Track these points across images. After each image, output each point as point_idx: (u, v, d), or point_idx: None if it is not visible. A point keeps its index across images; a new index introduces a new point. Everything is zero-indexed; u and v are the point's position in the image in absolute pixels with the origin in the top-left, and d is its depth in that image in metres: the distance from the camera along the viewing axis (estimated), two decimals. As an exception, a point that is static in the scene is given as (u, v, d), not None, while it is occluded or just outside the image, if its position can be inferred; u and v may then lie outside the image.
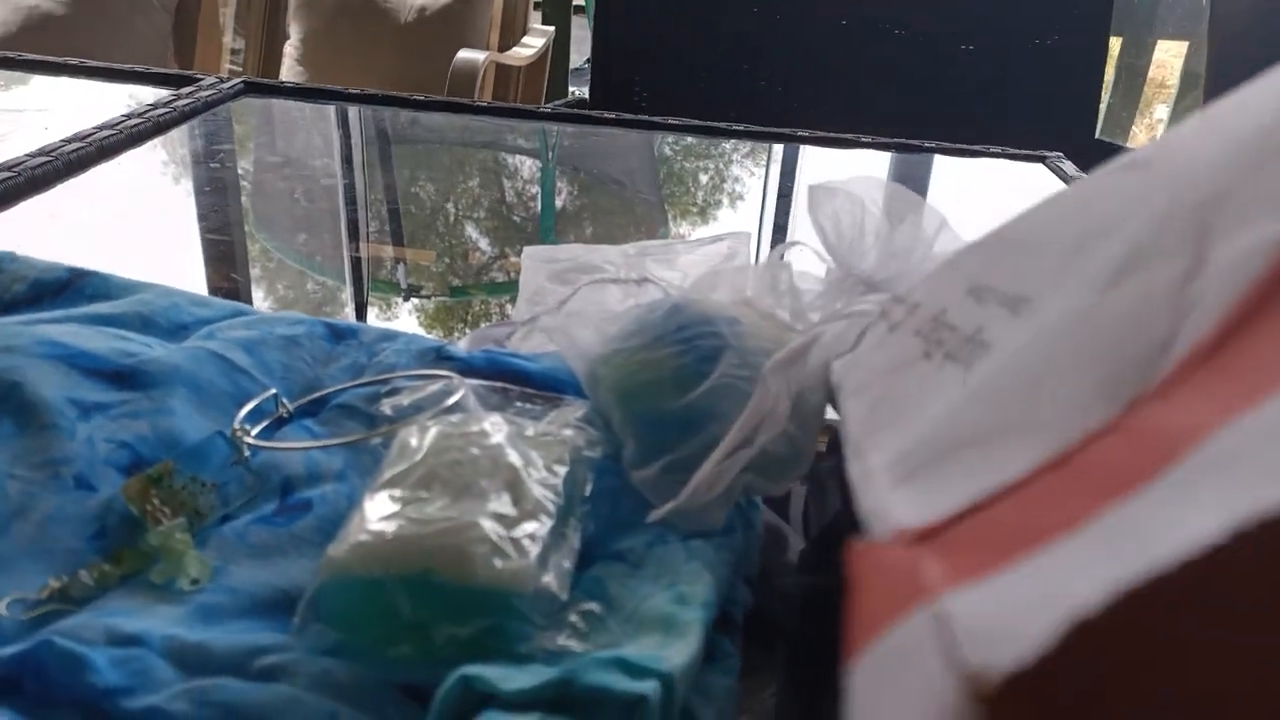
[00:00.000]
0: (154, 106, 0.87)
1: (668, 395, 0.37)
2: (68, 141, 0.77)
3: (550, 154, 1.01)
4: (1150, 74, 2.19)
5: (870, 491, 0.24)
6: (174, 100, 0.89)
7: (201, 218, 0.75)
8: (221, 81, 0.95)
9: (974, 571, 0.16)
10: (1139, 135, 2.27)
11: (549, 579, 0.31)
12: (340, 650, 0.30)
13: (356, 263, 0.73)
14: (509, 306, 0.67)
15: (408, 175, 0.91)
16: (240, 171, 0.84)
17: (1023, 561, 0.16)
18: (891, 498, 0.23)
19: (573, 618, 0.31)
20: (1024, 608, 0.14)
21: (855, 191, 0.41)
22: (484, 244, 0.80)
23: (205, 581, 0.32)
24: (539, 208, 0.91)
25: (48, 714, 0.27)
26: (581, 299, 0.49)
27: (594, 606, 0.31)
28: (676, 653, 0.28)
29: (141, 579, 0.33)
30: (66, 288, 0.46)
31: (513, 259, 0.75)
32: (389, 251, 0.76)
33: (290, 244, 0.75)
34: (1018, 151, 0.94)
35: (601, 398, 0.39)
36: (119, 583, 0.32)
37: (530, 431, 0.38)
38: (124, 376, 0.38)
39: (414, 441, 0.35)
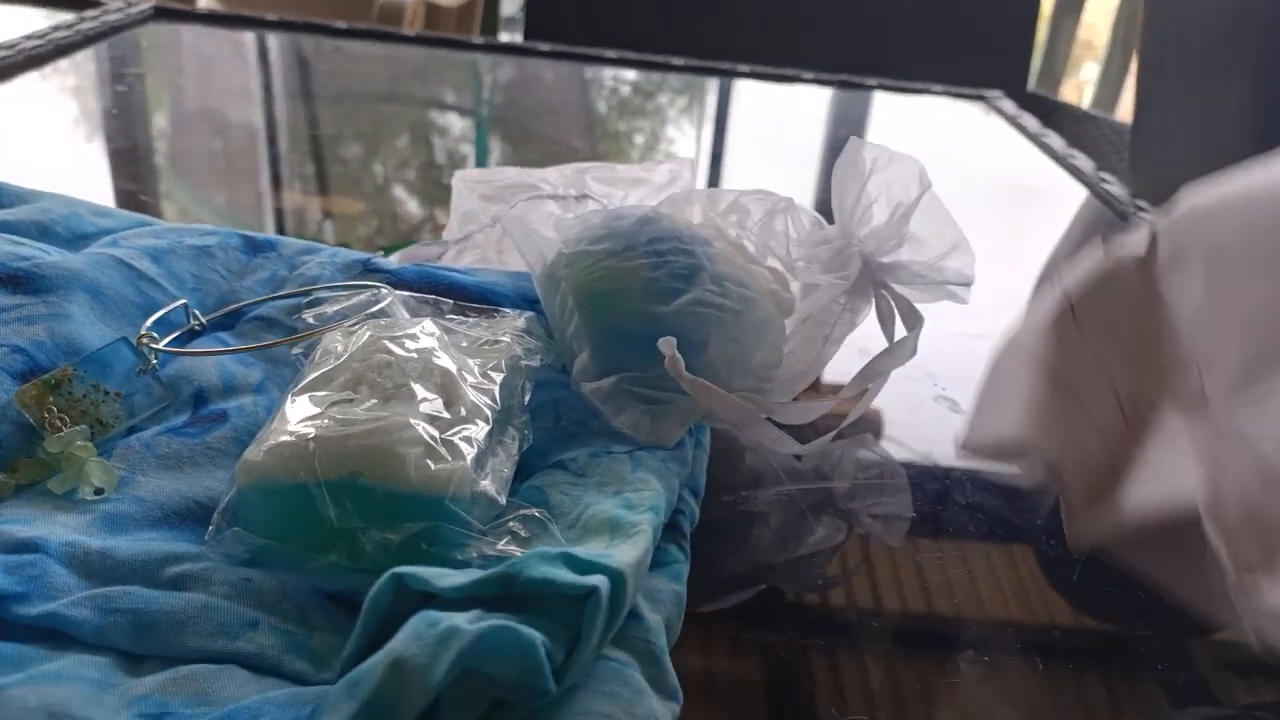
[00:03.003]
0: (55, 28, 0.81)
1: (635, 308, 0.36)
2: (-41, 61, 0.71)
3: (482, 94, 0.97)
4: (1079, 34, 2.22)
5: None
6: (77, 23, 0.83)
7: (104, 149, 0.70)
8: (129, 5, 0.90)
9: None
10: (1068, 92, 2.30)
11: (486, 483, 0.29)
12: (260, 560, 0.28)
13: (279, 215, 0.69)
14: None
15: (330, 115, 0.86)
16: (147, 103, 0.79)
17: None
18: None
19: (513, 524, 0.29)
20: None
21: (893, 165, 0.39)
22: (413, 198, 0.75)
23: (110, 491, 0.30)
24: (473, 152, 0.88)
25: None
26: (518, 212, 0.47)
27: (535, 513, 0.30)
28: (624, 552, 0.26)
29: (40, 489, 0.30)
30: (-47, 195, 0.42)
31: (442, 220, 0.71)
32: (310, 202, 0.71)
33: (202, 191, 0.70)
34: (959, 90, 0.94)
35: (557, 301, 0.37)
36: (14, 493, 0.30)
37: (465, 343, 0.36)
38: (17, 280, 0.35)
39: (339, 346, 0.33)
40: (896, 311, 0.40)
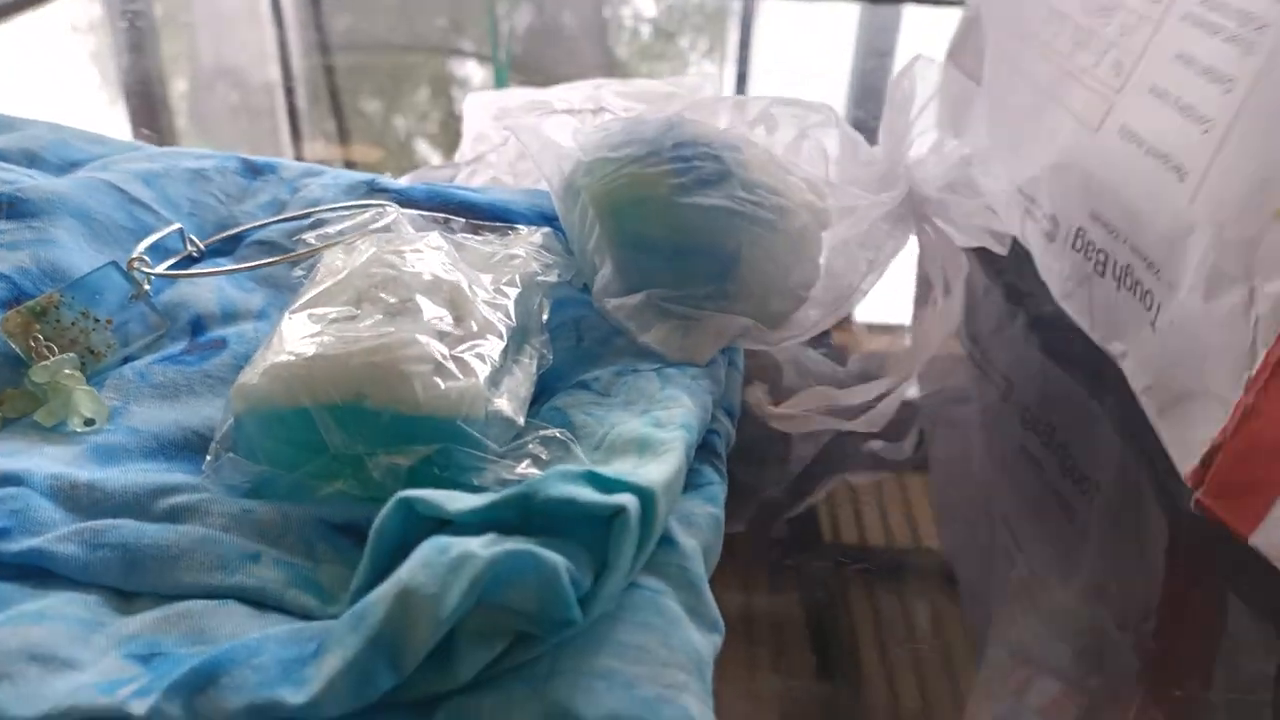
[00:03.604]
0: (52, -35, 0.78)
1: (661, 217, 0.33)
2: (-47, 1, 0.69)
3: (499, 37, 0.93)
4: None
5: None
6: (75, -40, 0.80)
7: (108, 88, 0.68)
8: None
9: None
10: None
11: (502, 402, 0.27)
12: (262, 490, 0.26)
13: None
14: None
15: (344, 57, 0.82)
16: (151, 39, 0.76)
17: None
18: None
19: (532, 445, 0.27)
20: None
21: (962, 88, 0.37)
22: (429, 144, 0.71)
23: (101, 422, 0.28)
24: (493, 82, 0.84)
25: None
26: (532, 122, 0.44)
27: (556, 433, 0.27)
28: (654, 470, 0.24)
29: (29, 422, 0.28)
30: (-65, 124, 0.40)
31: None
32: (325, 149, 0.67)
33: (214, 134, 0.66)
34: None
35: (576, 213, 0.34)
36: (2, 427, 0.28)
37: (476, 259, 0.33)
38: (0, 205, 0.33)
39: (340, 262, 0.31)
40: (941, 254, 0.37)
